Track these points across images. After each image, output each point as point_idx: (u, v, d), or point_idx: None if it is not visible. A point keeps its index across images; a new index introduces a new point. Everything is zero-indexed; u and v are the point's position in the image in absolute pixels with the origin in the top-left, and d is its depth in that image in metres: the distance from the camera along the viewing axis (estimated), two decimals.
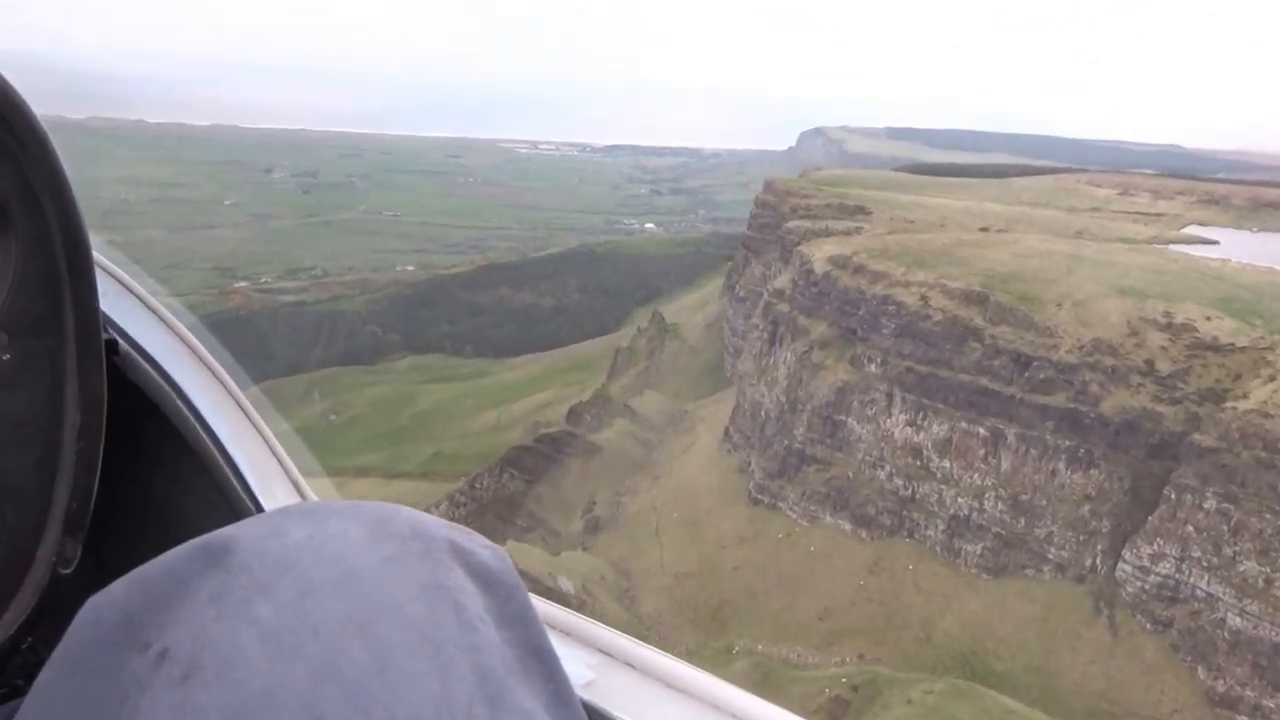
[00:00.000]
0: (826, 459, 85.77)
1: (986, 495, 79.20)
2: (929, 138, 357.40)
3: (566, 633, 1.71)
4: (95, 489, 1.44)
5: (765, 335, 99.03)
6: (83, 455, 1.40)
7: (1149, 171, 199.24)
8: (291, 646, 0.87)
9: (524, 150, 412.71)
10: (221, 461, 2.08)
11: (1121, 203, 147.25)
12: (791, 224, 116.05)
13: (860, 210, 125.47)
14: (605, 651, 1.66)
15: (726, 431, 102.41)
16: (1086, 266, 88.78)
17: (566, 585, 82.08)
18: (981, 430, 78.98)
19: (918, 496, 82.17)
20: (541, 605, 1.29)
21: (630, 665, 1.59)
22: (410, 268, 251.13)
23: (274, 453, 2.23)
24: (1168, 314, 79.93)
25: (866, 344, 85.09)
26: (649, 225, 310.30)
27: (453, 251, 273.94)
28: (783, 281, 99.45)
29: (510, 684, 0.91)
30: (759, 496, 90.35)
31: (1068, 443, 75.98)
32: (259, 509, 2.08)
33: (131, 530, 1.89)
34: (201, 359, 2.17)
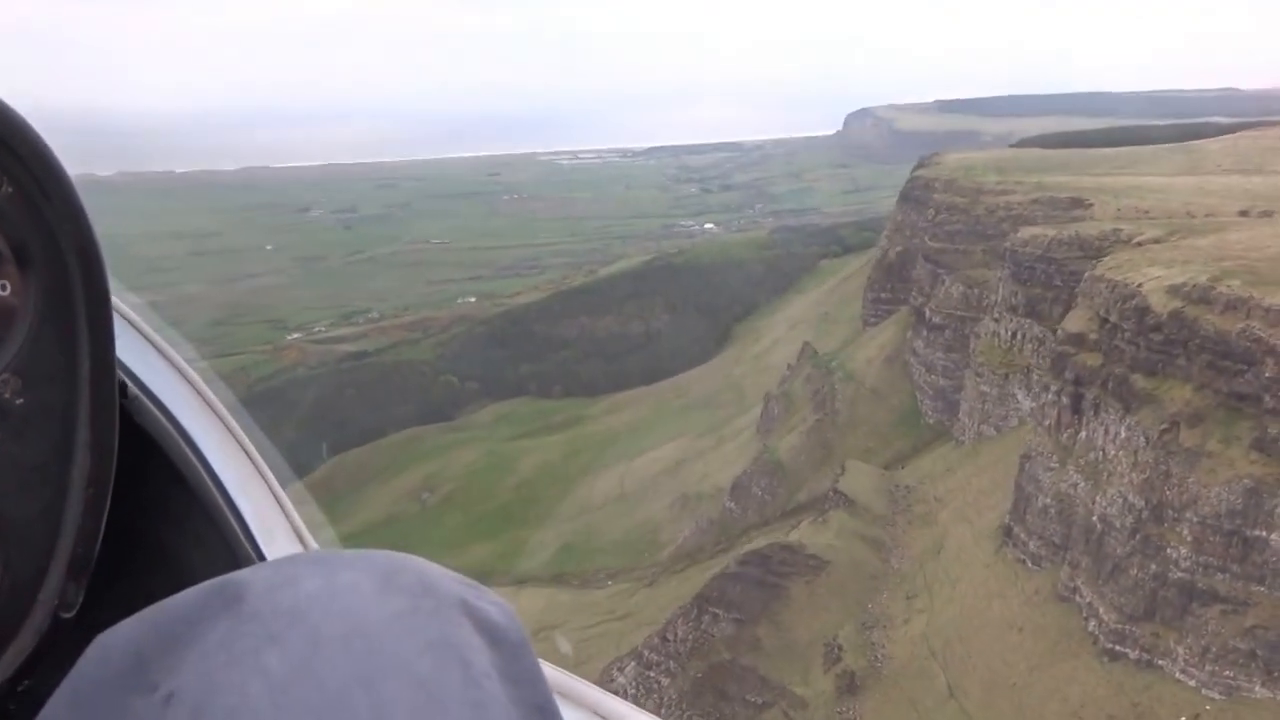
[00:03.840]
0: (1239, 596, 53.66)
1: None
2: (982, 106, 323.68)
3: (563, 694, 1.63)
4: (101, 535, 1.40)
5: (1064, 400, 66.92)
6: (90, 502, 1.36)
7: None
8: (298, 699, 0.81)
9: (565, 161, 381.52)
10: (225, 508, 2.00)
11: None
12: (1025, 233, 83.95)
13: (1078, 203, 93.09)
14: (600, 714, 1.59)
15: (1009, 531, 70.50)
16: None
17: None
18: None
19: None
20: (548, 670, 1.52)
21: None
22: (471, 299, 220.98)
23: (278, 501, 2.17)
24: None
25: None
26: (709, 225, 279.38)
27: (509, 274, 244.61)
28: (1080, 322, 67.04)
29: None
30: (1118, 647, 58.74)
31: None
32: (260, 558, 2.02)
33: (133, 574, 1.81)
34: (210, 405, 2.10)
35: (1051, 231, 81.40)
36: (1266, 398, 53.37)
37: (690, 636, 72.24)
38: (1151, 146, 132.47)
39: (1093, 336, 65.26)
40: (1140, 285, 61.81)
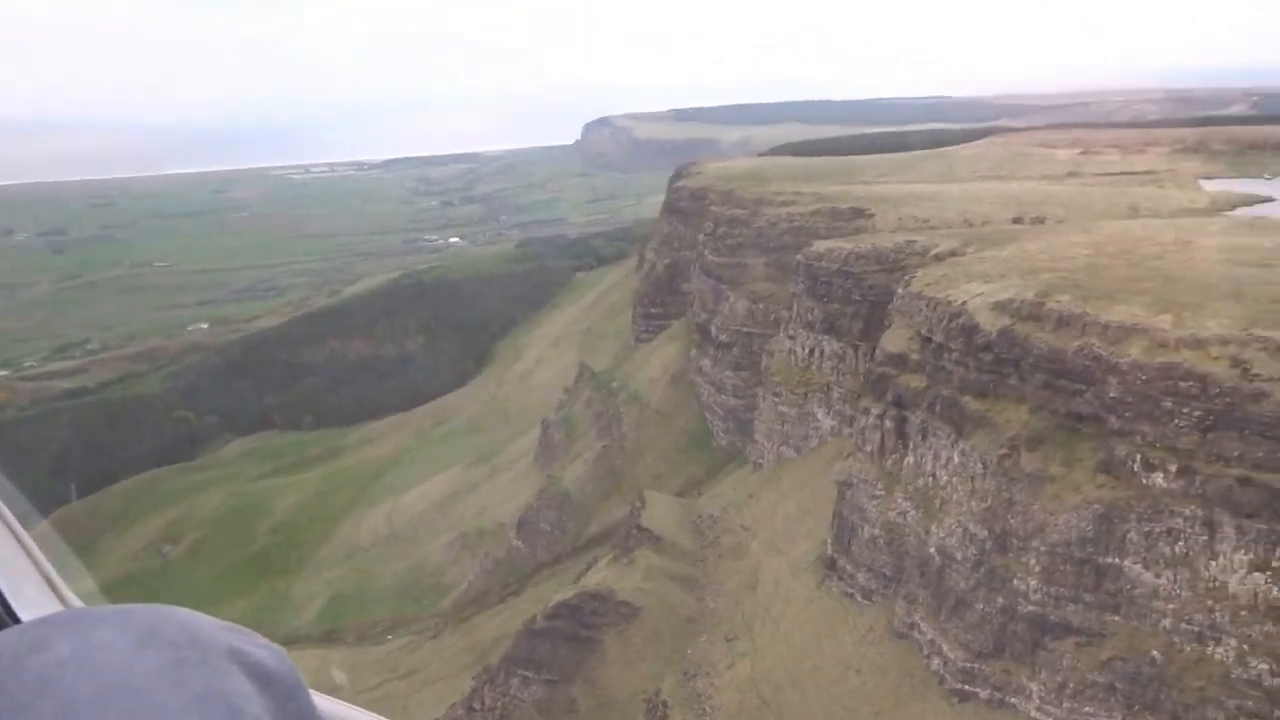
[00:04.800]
0: (1094, 627, 50.53)
1: None
2: (716, 115, 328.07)
3: None
4: None
5: (887, 424, 63.03)
6: None
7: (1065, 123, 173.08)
8: None
9: (297, 175, 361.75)
10: None
11: (1094, 164, 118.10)
12: (819, 246, 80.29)
13: (860, 213, 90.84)
14: None
15: (832, 563, 66.10)
16: None
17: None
18: None
19: None
20: (326, 704, 1.41)
21: None
22: (204, 325, 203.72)
23: (24, 548, 1.95)
24: None
25: (1131, 440, 50.37)
26: (454, 239, 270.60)
27: (245, 297, 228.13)
28: (900, 342, 63.19)
29: None
30: (967, 687, 54.91)
31: None
32: (8, 610, 1.82)
33: None
34: None
35: (846, 244, 78.12)
36: (1111, 418, 50.56)
37: (499, 704, 64.37)
38: (906, 154, 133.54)
39: (914, 357, 61.73)
40: (964, 302, 58.51)
